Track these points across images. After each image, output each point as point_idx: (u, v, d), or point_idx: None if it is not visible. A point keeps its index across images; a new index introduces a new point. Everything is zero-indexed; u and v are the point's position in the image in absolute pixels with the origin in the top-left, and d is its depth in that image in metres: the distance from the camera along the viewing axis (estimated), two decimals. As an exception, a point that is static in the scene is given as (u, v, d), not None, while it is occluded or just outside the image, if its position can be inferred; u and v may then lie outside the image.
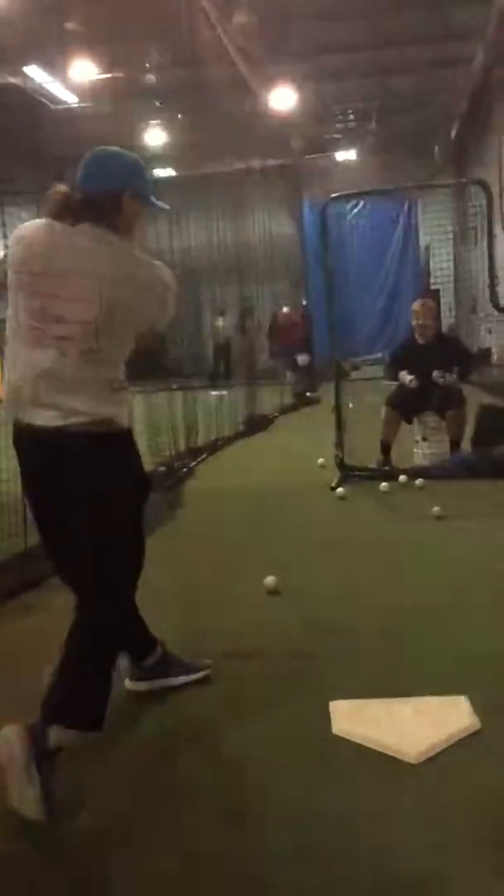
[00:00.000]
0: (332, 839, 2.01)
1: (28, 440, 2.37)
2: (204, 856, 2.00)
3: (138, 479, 2.55)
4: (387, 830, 2.03)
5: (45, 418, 2.29)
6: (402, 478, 6.09)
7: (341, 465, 6.33)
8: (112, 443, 2.36)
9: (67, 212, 2.36)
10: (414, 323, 6.70)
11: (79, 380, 2.29)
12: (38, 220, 2.42)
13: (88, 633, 2.34)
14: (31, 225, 2.42)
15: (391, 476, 6.14)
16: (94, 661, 2.33)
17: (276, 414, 11.50)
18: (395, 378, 6.68)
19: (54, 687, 2.25)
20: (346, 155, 19.21)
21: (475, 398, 7.74)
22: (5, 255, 2.41)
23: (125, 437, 2.43)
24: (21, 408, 2.34)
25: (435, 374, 6.39)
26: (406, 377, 6.48)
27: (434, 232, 17.80)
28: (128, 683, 2.84)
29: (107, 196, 2.37)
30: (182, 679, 2.86)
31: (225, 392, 11.81)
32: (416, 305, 6.85)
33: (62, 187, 2.43)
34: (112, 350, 2.35)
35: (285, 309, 17.39)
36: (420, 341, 6.67)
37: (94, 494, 2.33)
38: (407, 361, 6.63)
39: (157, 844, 2.05)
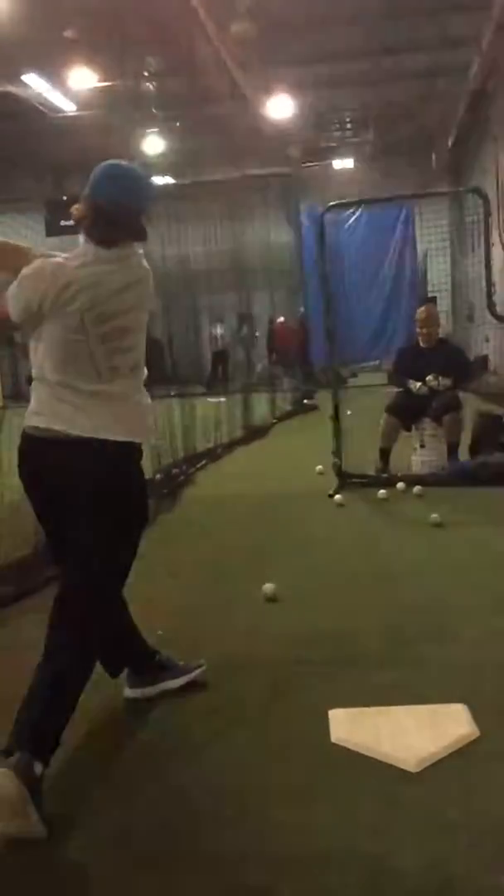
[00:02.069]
0: (330, 848, 2.00)
1: (53, 449, 2.41)
2: (202, 865, 1.99)
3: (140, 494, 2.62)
4: (386, 839, 2.02)
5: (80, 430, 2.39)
6: (401, 485, 6.09)
7: (339, 472, 6.33)
8: (137, 458, 2.54)
9: (109, 235, 2.44)
10: (419, 329, 6.80)
11: (130, 399, 2.48)
12: (88, 259, 2.42)
13: (67, 646, 2.34)
14: (85, 267, 2.41)
15: (389, 483, 6.14)
16: (68, 681, 2.31)
17: (275, 421, 11.51)
18: (402, 385, 6.70)
19: (37, 718, 2.22)
20: (343, 163, 19.28)
21: (473, 406, 7.75)
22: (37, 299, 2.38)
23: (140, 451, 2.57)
24: (55, 423, 2.40)
25: (429, 378, 6.44)
26: (415, 384, 6.52)
27: (431, 240, 17.86)
28: (127, 692, 2.83)
29: (138, 216, 2.49)
30: (180, 681, 2.86)
31: (223, 399, 11.82)
32: (420, 312, 6.99)
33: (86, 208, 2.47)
34: (142, 363, 2.54)
35: (281, 318, 17.43)
36: (423, 346, 6.74)
37: (109, 498, 2.42)
38: (411, 367, 6.67)
39: (154, 856, 2.04)
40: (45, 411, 2.43)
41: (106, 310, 2.38)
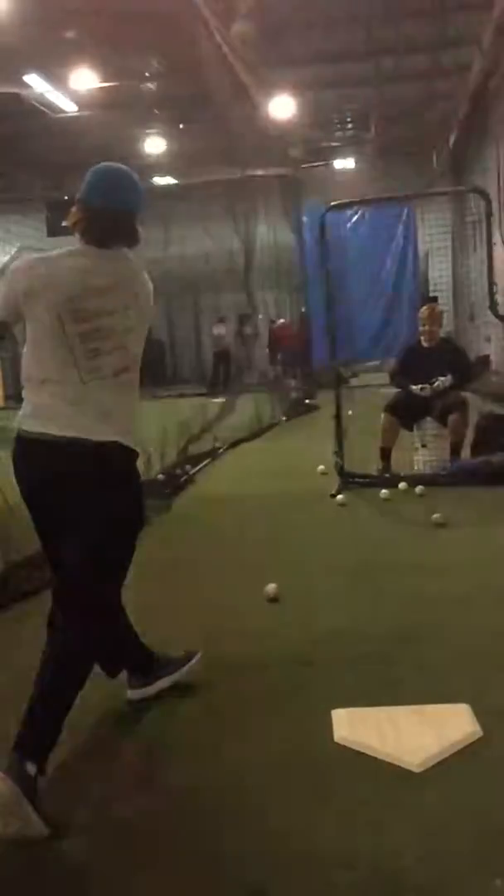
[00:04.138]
0: (333, 847, 2.00)
1: (45, 451, 2.39)
2: (203, 866, 1.98)
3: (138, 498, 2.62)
4: (388, 839, 2.01)
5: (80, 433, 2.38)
6: (403, 485, 6.08)
7: (341, 471, 6.32)
8: (130, 459, 2.51)
9: (100, 238, 2.43)
10: (421, 328, 6.78)
11: (116, 403, 2.44)
12: (74, 253, 2.44)
13: (65, 647, 2.34)
14: (68, 260, 2.43)
15: (391, 483, 6.13)
16: (65, 684, 2.31)
17: (276, 421, 11.51)
18: (403, 387, 6.69)
19: (30, 719, 2.23)
20: (344, 163, 19.26)
21: (474, 405, 7.74)
22: (27, 289, 2.37)
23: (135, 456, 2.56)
24: (46, 425, 2.38)
25: (427, 385, 6.45)
26: (416, 388, 6.51)
27: (433, 239, 17.87)
28: (130, 693, 2.82)
29: (132, 219, 2.49)
30: (177, 675, 2.86)
31: (224, 399, 11.82)
32: (423, 310, 6.98)
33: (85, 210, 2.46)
34: (136, 369, 2.52)
35: (281, 320, 17.43)
36: (426, 345, 6.73)
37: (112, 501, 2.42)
38: (413, 366, 6.66)
39: (155, 856, 2.03)
40: (36, 413, 2.41)
41: (85, 306, 2.36)
